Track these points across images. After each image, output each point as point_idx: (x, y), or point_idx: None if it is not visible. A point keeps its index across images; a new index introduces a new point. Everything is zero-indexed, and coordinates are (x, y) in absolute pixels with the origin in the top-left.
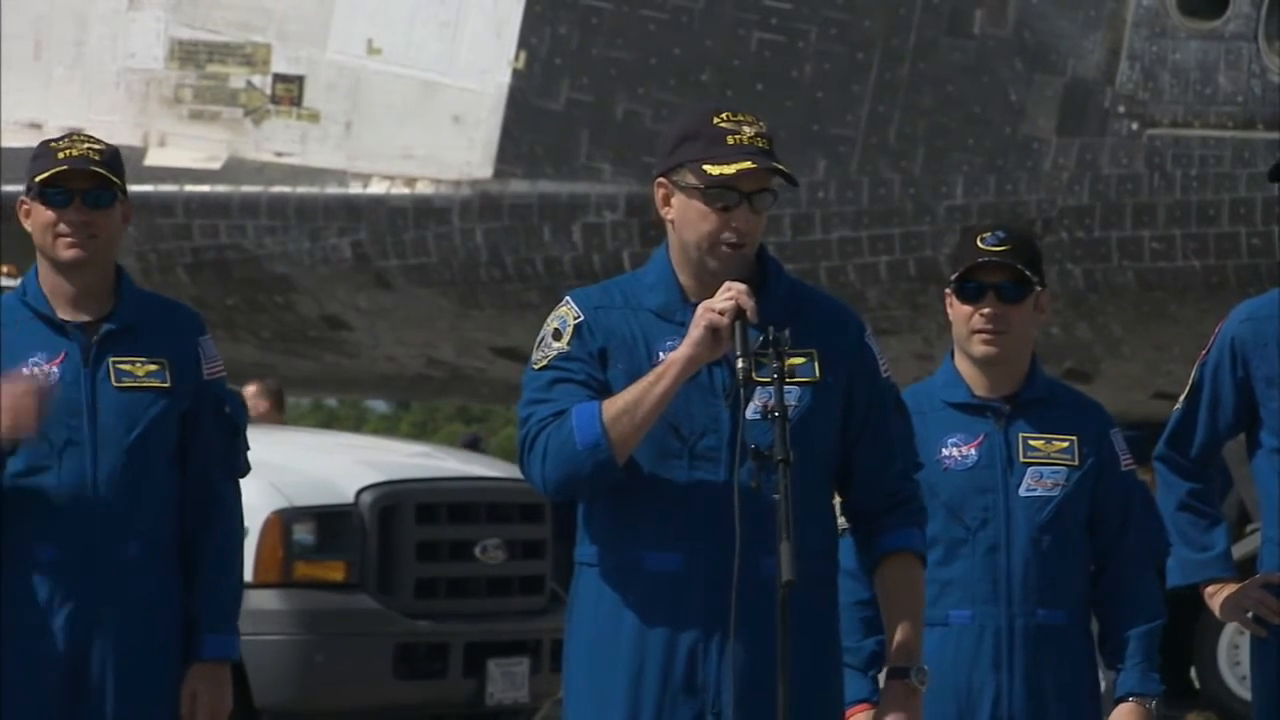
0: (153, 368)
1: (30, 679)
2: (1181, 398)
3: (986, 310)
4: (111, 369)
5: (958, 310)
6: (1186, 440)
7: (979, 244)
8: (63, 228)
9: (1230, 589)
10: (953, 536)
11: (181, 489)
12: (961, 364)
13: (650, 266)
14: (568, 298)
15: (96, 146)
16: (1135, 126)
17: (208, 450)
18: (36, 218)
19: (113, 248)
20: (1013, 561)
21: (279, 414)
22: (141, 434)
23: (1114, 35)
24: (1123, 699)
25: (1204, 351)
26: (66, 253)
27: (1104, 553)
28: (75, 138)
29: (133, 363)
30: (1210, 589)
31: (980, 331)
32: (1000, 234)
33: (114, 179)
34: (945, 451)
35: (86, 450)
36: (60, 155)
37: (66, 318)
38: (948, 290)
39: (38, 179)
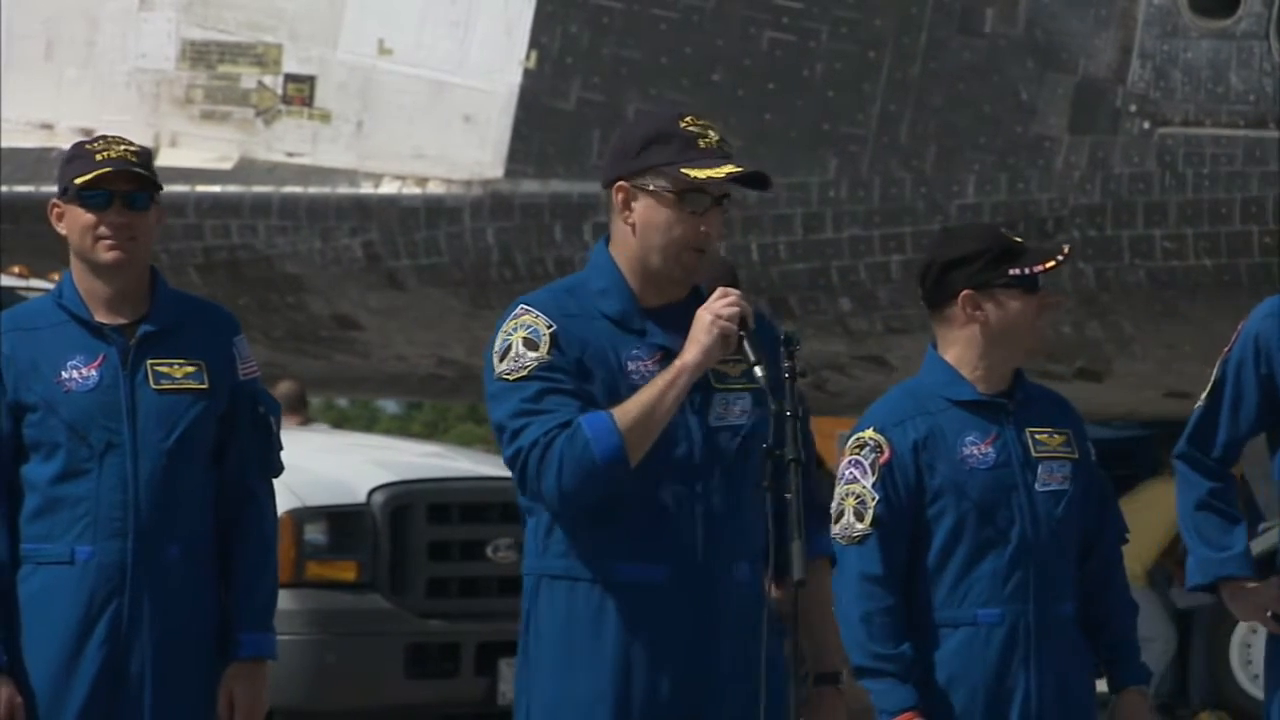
0: (190, 369)
1: (71, 682)
2: (1203, 395)
3: (1053, 298)
4: (150, 371)
5: (1021, 305)
6: (1208, 438)
7: (1014, 239)
8: (103, 230)
9: (1249, 588)
10: (983, 536)
11: (217, 489)
12: (974, 365)
13: (594, 272)
14: (526, 306)
15: (132, 148)
16: (1147, 125)
17: (243, 450)
18: (74, 221)
19: (149, 249)
20: (1038, 557)
21: (301, 414)
22: (181, 436)
23: (1125, 34)
24: (1123, 688)
25: (1227, 348)
26: (107, 255)
27: (1088, 543)
28: (110, 139)
29: (170, 365)
30: (1228, 588)
31: (1053, 318)
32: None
33: (152, 179)
34: (965, 450)
35: (127, 453)
36: (98, 158)
37: (104, 320)
38: (973, 294)
39: (77, 181)
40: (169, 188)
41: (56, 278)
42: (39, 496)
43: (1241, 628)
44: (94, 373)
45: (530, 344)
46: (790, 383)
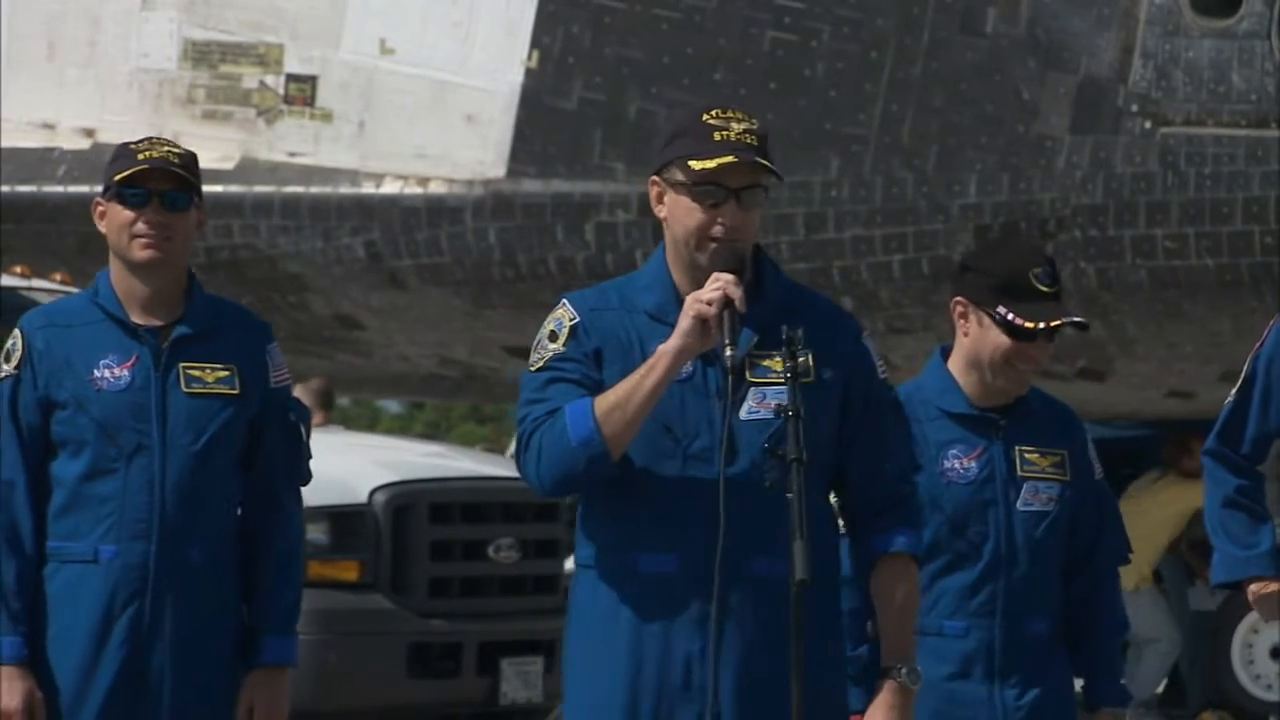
0: (223, 374)
1: (90, 680)
2: (1233, 391)
3: (1038, 354)
4: (182, 374)
5: (995, 340)
6: (1237, 434)
7: (1035, 283)
8: (140, 228)
9: (1275, 587)
10: (955, 550)
11: (244, 494)
12: (965, 375)
13: (646, 268)
14: (564, 300)
15: (175, 150)
16: (1148, 125)
17: (272, 457)
18: (113, 218)
19: (186, 251)
20: (1011, 575)
21: (325, 413)
22: (209, 440)
23: (1127, 34)
24: (1097, 708)
25: (1258, 344)
26: (142, 253)
27: (1078, 561)
28: (155, 140)
29: (203, 368)
30: (1254, 587)
31: (1027, 369)
32: (1050, 272)
33: (192, 181)
34: (946, 463)
35: (155, 455)
36: (140, 156)
37: (139, 321)
38: (965, 303)
39: (117, 178)
40: None
41: (58, 278)
42: (65, 493)
43: (1243, 627)
44: (126, 373)
45: (553, 336)
46: (792, 382)
